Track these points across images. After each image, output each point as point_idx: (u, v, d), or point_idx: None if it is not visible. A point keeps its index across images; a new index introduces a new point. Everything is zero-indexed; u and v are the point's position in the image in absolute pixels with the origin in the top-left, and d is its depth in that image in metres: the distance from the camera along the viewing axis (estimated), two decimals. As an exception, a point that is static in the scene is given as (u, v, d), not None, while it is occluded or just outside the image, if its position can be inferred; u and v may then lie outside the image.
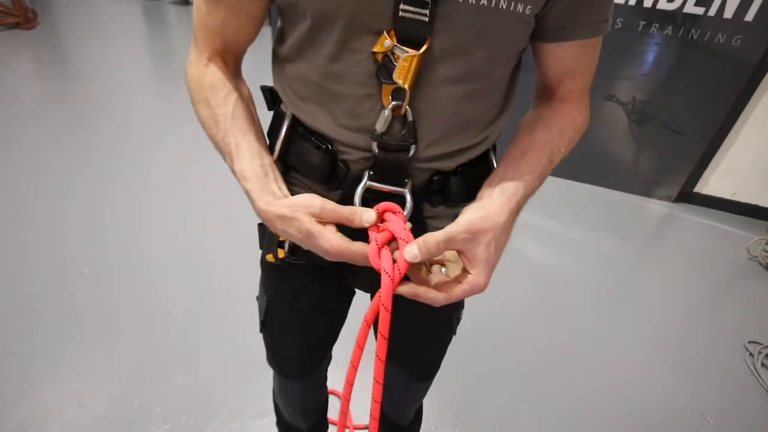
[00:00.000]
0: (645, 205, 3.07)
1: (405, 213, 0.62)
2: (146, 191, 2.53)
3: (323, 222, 0.56)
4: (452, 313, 0.87)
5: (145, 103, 3.52)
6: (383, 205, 0.58)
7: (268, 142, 0.70)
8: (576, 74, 0.66)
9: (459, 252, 0.54)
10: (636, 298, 2.30)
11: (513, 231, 0.58)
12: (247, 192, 0.60)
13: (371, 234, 0.56)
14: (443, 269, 0.58)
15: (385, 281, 0.51)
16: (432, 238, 0.51)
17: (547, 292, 2.22)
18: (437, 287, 0.54)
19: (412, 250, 0.51)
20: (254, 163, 0.60)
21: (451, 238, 0.51)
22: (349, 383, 0.61)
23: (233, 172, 0.61)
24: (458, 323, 0.91)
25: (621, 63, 2.77)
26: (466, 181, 0.68)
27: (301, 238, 0.56)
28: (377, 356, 0.55)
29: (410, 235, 0.54)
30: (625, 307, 2.22)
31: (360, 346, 0.57)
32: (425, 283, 0.55)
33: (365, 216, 0.55)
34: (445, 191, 0.68)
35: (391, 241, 0.55)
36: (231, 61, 0.68)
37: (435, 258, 0.55)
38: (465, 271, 0.54)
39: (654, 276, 2.47)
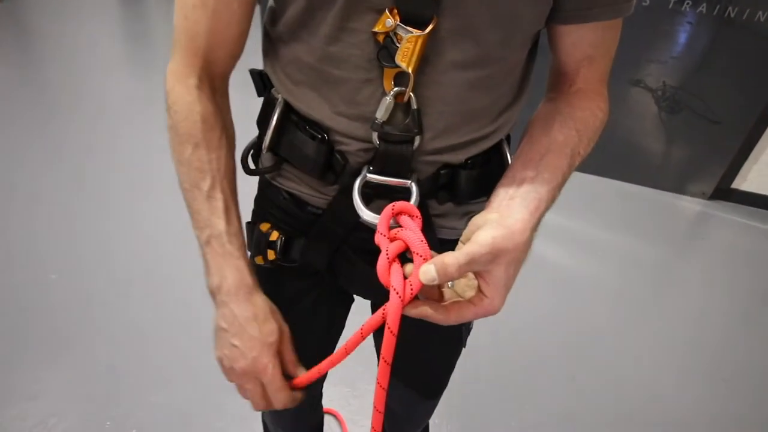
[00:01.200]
0: (677, 203, 3.07)
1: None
2: (121, 187, 2.54)
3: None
4: (462, 323, 0.87)
5: (120, 89, 3.53)
6: (400, 205, 0.57)
7: (258, 131, 0.69)
8: (595, 61, 0.66)
9: (477, 273, 0.53)
10: (668, 306, 2.30)
11: None
12: (209, 260, 0.62)
13: (382, 241, 0.55)
14: (449, 284, 0.58)
15: (393, 301, 0.51)
16: (452, 260, 0.50)
17: (567, 300, 2.23)
18: (447, 308, 0.54)
19: (430, 271, 0.50)
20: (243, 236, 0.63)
21: (473, 259, 0.50)
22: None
23: (208, 234, 0.61)
24: (468, 334, 0.91)
25: (649, 44, 2.77)
26: (476, 176, 0.68)
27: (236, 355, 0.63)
28: (378, 383, 0.54)
29: (427, 249, 0.53)
30: (655, 317, 2.23)
31: (346, 350, 0.57)
32: (435, 301, 0.55)
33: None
34: (454, 187, 0.68)
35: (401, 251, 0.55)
36: (220, 77, 0.66)
37: None
38: (479, 291, 0.54)
39: (687, 282, 2.48)
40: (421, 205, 0.67)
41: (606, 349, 2.02)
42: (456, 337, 0.89)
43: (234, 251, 0.62)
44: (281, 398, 0.65)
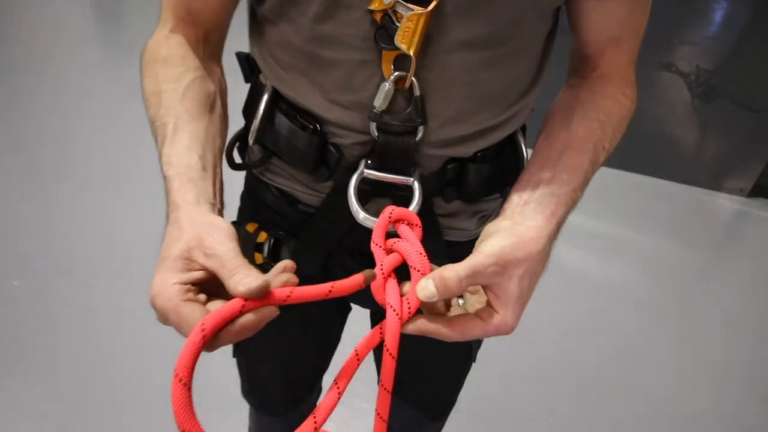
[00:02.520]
0: (712, 201, 3.07)
1: (413, 207, 0.62)
2: (91, 183, 2.54)
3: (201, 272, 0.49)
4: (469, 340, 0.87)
5: (90, 74, 3.53)
6: (398, 212, 0.57)
7: (244, 122, 0.70)
8: (621, 42, 0.66)
9: (485, 287, 0.53)
10: (703, 316, 2.30)
11: None
12: (167, 183, 0.55)
13: (377, 253, 0.55)
14: (461, 301, 0.58)
15: (391, 321, 0.51)
16: (452, 273, 0.50)
17: (589, 309, 2.23)
18: (452, 322, 0.54)
19: (428, 287, 0.50)
20: (191, 153, 0.55)
21: (477, 272, 0.50)
22: None
23: (160, 159, 0.57)
24: (478, 348, 0.91)
25: (681, 24, 2.77)
26: (487, 170, 0.68)
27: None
28: (378, 413, 0.54)
29: (426, 263, 0.53)
30: (689, 328, 2.22)
31: (338, 384, 0.53)
32: (438, 316, 0.55)
33: (245, 281, 0.45)
34: (462, 183, 0.68)
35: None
36: (203, 38, 0.67)
37: None
38: (489, 307, 0.53)
39: (725, 288, 2.47)
40: (426, 204, 0.67)
41: (634, 364, 2.01)
42: (465, 350, 0.89)
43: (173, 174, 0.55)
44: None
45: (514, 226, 0.54)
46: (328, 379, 1.01)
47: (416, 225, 0.57)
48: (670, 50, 2.85)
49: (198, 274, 0.48)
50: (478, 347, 0.91)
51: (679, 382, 1.97)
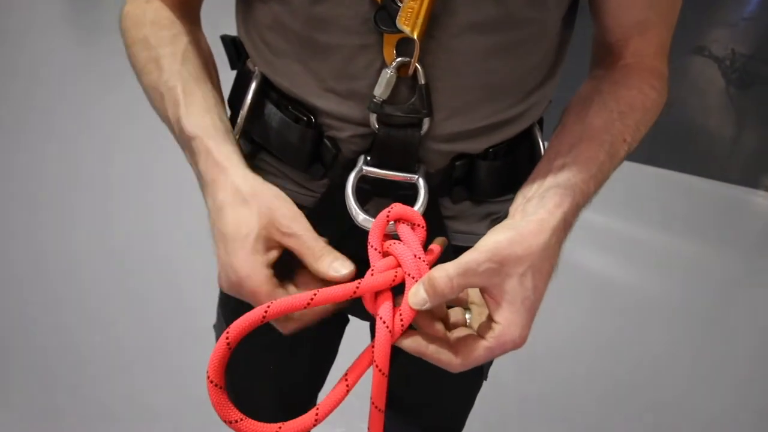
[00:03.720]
0: (749, 199, 3.06)
1: (418, 207, 0.61)
2: (61, 175, 2.54)
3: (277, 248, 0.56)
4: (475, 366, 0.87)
5: (60, 57, 3.53)
6: (398, 210, 0.57)
7: (229, 113, 0.70)
8: (648, 28, 0.66)
9: (482, 290, 0.53)
10: (741, 326, 2.29)
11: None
12: (193, 152, 0.59)
13: (372, 256, 0.55)
14: (467, 315, 0.57)
15: (381, 334, 0.51)
16: (441, 272, 0.49)
17: (614, 320, 2.22)
18: (453, 345, 0.53)
19: (418, 293, 0.50)
20: (212, 114, 0.60)
21: (469, 269, 0.49)
22: None
23: (175, 126, 0.61)
24: (490, 364, 0.91)
25: (715, 3, 2.76)
26: (500, 168, 0.68)
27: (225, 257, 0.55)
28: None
29: (424, 268, 0.53)
30: (725, 340, 2.21)
31: (348, 378, 0.54)
32: (436, 337, 0.54)
33: (335, 265, 0.54)
34: (472, 181, 0.68)
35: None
36: (181, 2, 0.68)
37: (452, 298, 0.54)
38: (489, 320, 0.53)
39: (764, 295, 2.46)
40: (432, 205, 0.67)
41: (665, 383, 2.00)
42: (475, 367, 0.89)
43: (196, 133, 0.59)
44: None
45: (512, 222, 0.54)
46: (323, 397, 1.01)
47: (419, 225, 0.57)
48: (703, 32, 2.85)
49: (276, 254, 0.55)
50: (490, 364, 0.91)
51: (713, 400, 1.96)
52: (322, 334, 0.92)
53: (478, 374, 0.91)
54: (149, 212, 2.35)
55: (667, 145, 3.01)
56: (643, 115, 0.64)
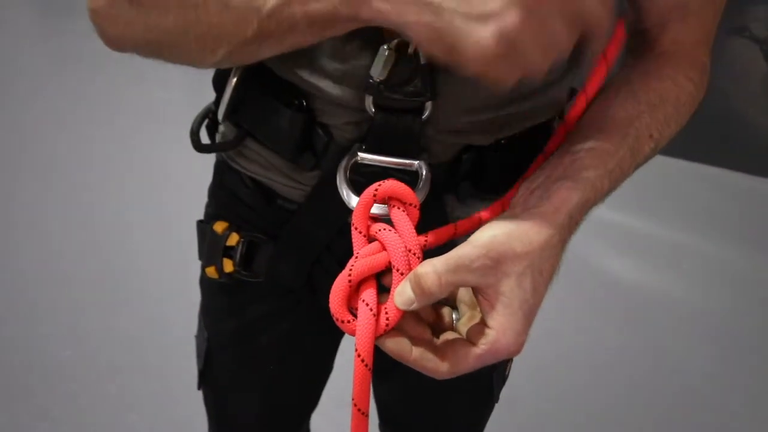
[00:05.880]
0: (791, 197, 3.04)
1: (418, 191, 0.60)
2: (31, 170, 2.56)
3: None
4: (492, 369, 0.86)
5: (28, 42, 3.58)
6: (387, 186, 0.54)
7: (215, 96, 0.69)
8: (689, 12, 0.65)
9: (475, 291, 0.51)
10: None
11: (579, 233, 0.56)
12: None
13: (356, 240, 0.54)
14: (454, 315, 0.56)
15: (363, 317, 0.49)
16: (428, 267, 0.48)
17: (641, 330, 2.20)
18: (439, 350, 0.51)
19: (404, 291, 0.49)
20: None
21: (460, 265, 0.48)
22: None
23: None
24: (503, 384, 0.90)
25: (757, -21, 2.74)
26: (512, 162, 0.66)
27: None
28: None
29: (414, 262, 0.51)
30: (755, 348, 2.20)
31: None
32: (423, 340, 0.52)
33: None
34: (481, 177, 0.67)
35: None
36: None
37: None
38: (480, 324, 0.51)
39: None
40: (436, 202, 0.67)
41: (690, 395, 1.99)
42: (485, 387, 0.88)
43: None
44: None
45: (512, 216, 0.52)
46: (317, 419, 0.99)
47: (411, 204, 0.54)
48: (743, 12, 2.83)
49: None
50: (502, 384, 0.90)
51: (740, 411, 1.95)
52: (315, 348, 0.91)
53: (488, 397, 0.90)
54: (145, 218, 2.37)
55: (703, 137, 2.99)
56: (676, 110, 0.64)
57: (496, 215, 0.57)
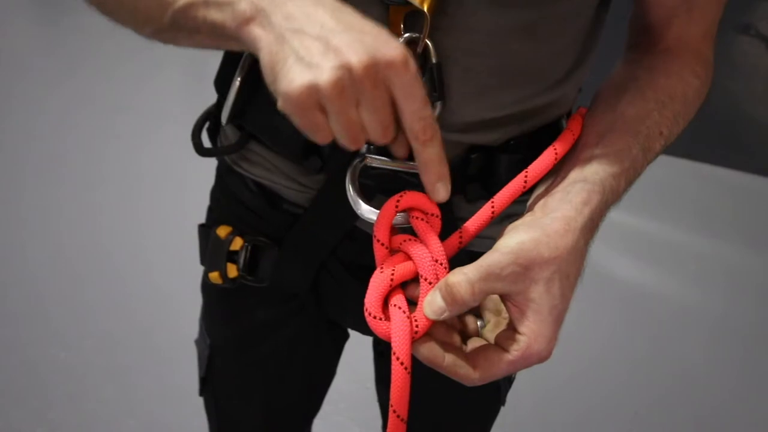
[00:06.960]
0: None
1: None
2: (28, 170, 2.56)
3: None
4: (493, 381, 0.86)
5: (22, 36, 3.55)
6: (409, 197, 0.56)
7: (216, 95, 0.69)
8: (694, 7, 0.65)
9: (503, 297, 0.52)
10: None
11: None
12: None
13: (378, 252, 0.54)
14: (479, 323, 0.57)
15: (398, 321, 0.50)
16: (461, 277, 0.49)
17: (652, 335, 2.20)
18: (470, 357, 0.52)
19: (434, 301, 0.50)
20: None
21: (491, 273, 0.49)
22: None
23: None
24: (509, 387, 0.91)
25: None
26: (521, 163, 0.66)
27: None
28: None
29: (440, 269, 0.52)
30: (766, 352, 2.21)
31: (494, 204, 0.56)
32: (453, 346, 0.53)
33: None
34: (489, 178, 0.68)
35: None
36: None
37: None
38: (511, 330, 0.52)
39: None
40: (444, 204, 0.65)
41: (706, 401, 1.99)
42: (491, 390, 0.88)
43: None
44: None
45: (536, 220, 0.53)
46: (319, 426, 0.99)
47: (433, 215, 0.56)
48: (748, 7, 2.84)
49: None
50: (509, 386, 0.90)
51: (762, 421, 1.96)
52: (319, 352, 0.91)
53: (495, 399, 0.90)
54: (143, 220, 2.37)
55: (708, 136, 2.99)
56: (683, 107, 0.64)
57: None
